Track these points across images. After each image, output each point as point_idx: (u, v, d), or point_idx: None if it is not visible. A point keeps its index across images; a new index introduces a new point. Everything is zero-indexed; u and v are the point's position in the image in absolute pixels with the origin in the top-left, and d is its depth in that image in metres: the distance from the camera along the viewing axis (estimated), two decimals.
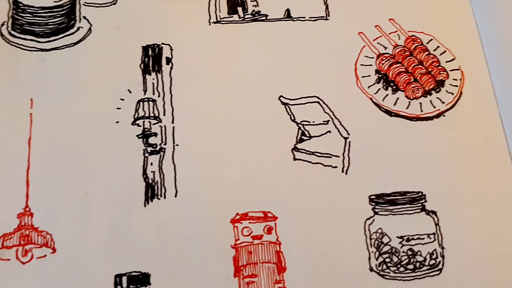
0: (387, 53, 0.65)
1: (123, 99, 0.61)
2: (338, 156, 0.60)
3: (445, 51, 0.65)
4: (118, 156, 0.59)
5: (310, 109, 0.62)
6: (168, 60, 0.64)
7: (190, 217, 0.57)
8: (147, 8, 0.66)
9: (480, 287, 0.56)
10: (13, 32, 0.64)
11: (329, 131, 0.61)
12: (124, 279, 0.55)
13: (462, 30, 0.66)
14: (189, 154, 0.60)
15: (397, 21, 0.66)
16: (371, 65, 0.64)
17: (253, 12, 0.67)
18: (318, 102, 0.62)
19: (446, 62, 0.65)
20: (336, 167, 0.60)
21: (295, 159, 0.60)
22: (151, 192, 0.58)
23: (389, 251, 0.57)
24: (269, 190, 0.59)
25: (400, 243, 0.57)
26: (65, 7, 0.65)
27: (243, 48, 0.65)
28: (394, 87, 0.64)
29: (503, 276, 0.56)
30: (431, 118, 0.62)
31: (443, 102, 0.63)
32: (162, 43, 0.64)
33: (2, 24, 0.64)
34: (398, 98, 0.63)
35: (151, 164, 0.59)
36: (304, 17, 0.66)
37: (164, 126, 0.61)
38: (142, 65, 0.63)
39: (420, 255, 0.57)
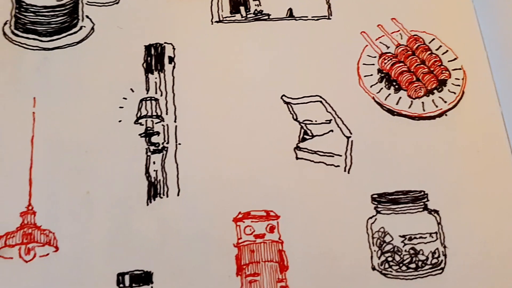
0: (389, 53, 0.65)
1: (125, 98, 0.61)
2: (341, 155, 0.60)
3: (447, 51, 0.65)
4: (121, 155, 0.59)
5: (312, 108, 0.62)
6: (171, 59, 0.64)
7: (193, 216, 0.57)
8: (149, 7, 0.66)
9: (482, 285, 0.56)
10: (16, 31, 0.64)
11: (332, 130, 0.61)
12: (127, 277, 0.55)
13: (464, 30, 0.66)
14: (191, 153, 0.60)
15: (399, 20, 0.66)
16: (373, 64, 0.64)
17: (256, 12, 0.67)
18: (321, 101, 0.62)
19: (448, 61, 0.65)
20: (338, 166, 0.60)
21: (297, 158, 0.60)
22: (154, 191, 0.58)
23: (391, 250, 0.57)
24: (272, 189, 0.59)
25: (402, 242, 0.57)
26: (68, 6, 0.65)
27: (245, 47, 0.65)
28: (396, 86, 0.64)
29: (505, 274, 0.56)
30: (433, 118, 0.62)
31: (445, 102, 0.63)
32: (165, 42, 0.64)
33: (5, 23, 0.65)
34: (400, 98, 0.63)
35: (154, 163, 0.59)
36: (307, 17, 0.66)
37: (167, 125, 0.61)
38: (144, 64, 0.63)
39: (422, 254, 0.57)
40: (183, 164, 0.59)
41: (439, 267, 0.57)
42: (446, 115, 0.62)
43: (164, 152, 0.60)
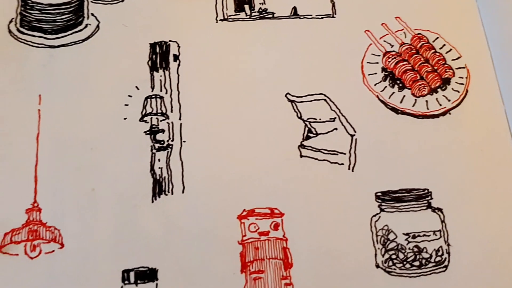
0: (393, 51, 0.65)
1: (130, 96, 0.62)
2: (345, 153, 0.60)
3: (451, 49, 0.65)
4: (126, 152, 0.59)
5: (316, 107, 0.62)
6: (176, 57, 0.64)
7: (197, 213, 0.57)
8: (154, 5, 0.66)
9: (486, 284, 0.56)
10: (21, 29, 0.64)
11: (336, 129, 0.62)
12: (132, 274, 0.55)
13: (468, 29, 0.66)
14: (196, 150, 0.60)
15: (403, 19, 0.67)
16: (377, 63, 0.65)
17: (260, 10, 0.67)
18: (325, 100, 0.63)
19: (452, 60, 0.65)
20: (342, 164, 0.60)
21: (301, 156, 0.60)
22: (159, 188, 0.58)
23: (395, 247, 0.57)
24: (276, 187, 0.59)
25: (406, 240, 0.57)
26: (73, 4, 0.65)
27: (250, 45, 0.65)
28: (400, 84, 0.64)
29: (509, 273, 0.56)
30: (437, 116, 0.62)
31: (449, 100, 0.63)
32: (170, 40, 0.64)
33: (11, 21, 0.65)
34: (404, 96, 0.63)
35: (159, 160, 0.59)
36: (311, 15, 0.67)
37: (172, 122, 0.61)
38: (149, 62, 0.63)
39: (426, 252, 0.57)
40: (188, 162, 0.59)
41: (442, 265, 0.57)
42: (450, 113, 0.63)
43: (169, 149, 0.60)
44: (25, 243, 0.56)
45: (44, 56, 0.63)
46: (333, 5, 0.67)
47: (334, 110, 0.62)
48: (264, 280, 0.56)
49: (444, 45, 0.66)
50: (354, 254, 0.57)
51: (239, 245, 0.56)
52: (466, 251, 0.57)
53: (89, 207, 0.57)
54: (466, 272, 0.56)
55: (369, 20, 0.66)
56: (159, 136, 0.60)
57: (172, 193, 0.58)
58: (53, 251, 0.56)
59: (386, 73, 0.64)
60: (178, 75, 0.63)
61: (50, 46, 0.64)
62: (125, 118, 0.61)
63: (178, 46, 0.64)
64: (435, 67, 0.64)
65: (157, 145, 0.60)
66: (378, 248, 0.57)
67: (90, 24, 0.65)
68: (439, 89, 0.64)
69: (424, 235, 0.57)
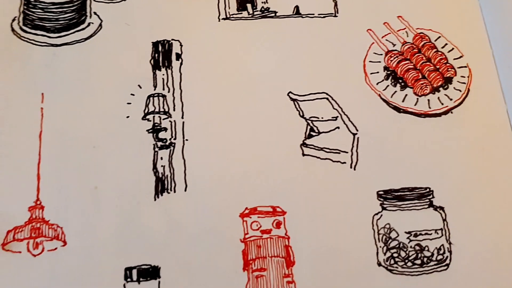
0: (395, 50, 0.65)
1: (133, 94, 0.62)
2: (347, 152, 0.61)
3: (453, 49, 0.66)
4: (129, 151, 0.59)
5: (319, 105, 0.62)
6: (178, 56, 0.64)
7: (200, 211, 0.57)
8: (157, 4, 0.66)
9: (487, 282, 0.56)
10: (24, 28, 0.64)
11: (338, 127, 0.62)
12: (134, 272, 0.55)
13: (470, 28, 0.66)
14: (198, 149, 0.60)
15: (405, 18, 0.67)
16: (379, 62, 0.65)
17: (262, 9, 0.67)
18: (327, 98, 0.63)
19: (454, 59, 0.65)
20: (344, 162, 0.60)
21: (304, 154, 0.60)
22: (161, 186, 0.58)
23: (397, 246, 0.57)
24: (278, 185, 0.59)
25: (408, 238, 0.57)
26: (76, 2, 0.66)
27: (252, 44, 0.65)
28: (402, 83, 0.64)
29: (511, 271, 0.56)
30: (439, 115, 0.62)
31: (451, 99, 0.63)
32: (172, 39, 0.65)
33: (14, 20, 0.65)
34: (406, 95, 0.63)
35: (161, 158, 0.59)
36: (313, 14, 0.67)
37: (174, 121, 0.61)
38: (152, 61, 0.64)
39: (428, 250, 0.57)
40: (190, 160, 0.60)
41: (444, 264, 0.57)
42: (451, 112, 0.63)
43: (172, 148, 0.60)
44: (27, 241, 0.56)
45: (47, 54, 0.63)
46: (335, 4, 0.67)
47: (336, 109, 0.62)
48: (266, 278, 0.56)
49: (446, 44, 0.66)
50: (356, 252, 0.57)
51: (241, 243, 0.57)
52: (467, 250, 0.57)
53: (92, 205, 0.57)
54: (467, 270, 0.57)
55: (371, 19, 0.66)
56: (161, 135, 0.60)
57: (174, 191, 0.58)
58: (55, 248, 0.56)
59: (388, 72, 0.64)
60: (181, 74, 0.63)
61: (53, 45, 0.64)
62: (127, 117, 0.61)
63: (181, 45, 0.64)
64: (437, 66, 0.64)
65: (159, 144, 0.60)
66: (380, 247, 0.57)
67: (92, 23, 0.65)
68: (441, 88, 0.64)
69: (426, 234, 0.57)
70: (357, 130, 0.61)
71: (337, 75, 0.64)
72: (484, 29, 0.66)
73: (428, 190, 0.59)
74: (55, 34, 0.64)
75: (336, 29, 0.66)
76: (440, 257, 0.57)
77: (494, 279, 0.56)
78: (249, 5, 0.67)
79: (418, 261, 0.57)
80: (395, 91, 0.63)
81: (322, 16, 0.67)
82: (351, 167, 0.60)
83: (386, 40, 0.66)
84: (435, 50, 0.65)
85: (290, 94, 0.63)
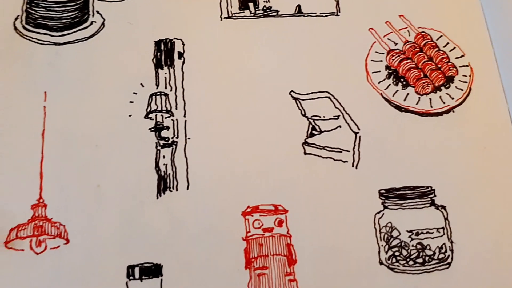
0: (397, 49, 0.65)
1: (135, 93, 0.62)
2: (348, 151, 0.61)
3: (454, 48, 0.66)
4: (131, 149, 0.60)
5: (320, 104, 0.62)
6: (180, 55, 0.64)
7: (202, 209, 0.58)
8: (159, 3, 0.66)
9: (489, 281, 0.56)
10: (27, 26, 0.65)
11: (340, 126, 0.62)
12: (137, 270, 0.55)
13: (471, 27, 0.67)
14: (200, 147, 0.60)
15: (407, 17, 0.67)
16: (381, 61, 0.65)
17: (264, 8, 0.67)
18: (329, 97, 0.63)
19: (456, 58, 0.65)
20: (346, 161, 0.60)
21: (305, 153, 0.61)
22: (163, 184, 0.58)
23: (399, 244, 0.57)
24: (280, 184, 0.59)
25: (409, 237, 0.58)
26: (79, 1, 0.66)
27: (254, 43, 0.65)
28: (404, 82, 0.64)
29: None
30: (440, 114, 0.63)
31: (452, 98, 0.63)
32: (174, 38, 0.65)
33: (16, 18, 0.65)
34: (408, 94, 0.63)
35: (164, 157, 0.60)
36: (315, 13, 0.67)
37: (176, 119, 0.61)
38: (154, 60, 0.64)
39: (429, 249, 0.57)
40: (192, 159, 0.60)
41: (446, 262, 0.57)
42: (453, 111, 0.63)
43: (174, 146, 0.60)
44: (30, 239, 0.56)
45: (49, 53, 0.64)
46: (337, 3, 0.67)
47: (338, 108, 0.62)
48: (268, 276, 0.56)
49: (448, 43, 0.66)
50: (357, 251, 0.57)
51: (243, 241, 0.57)
52: (469, 249, 0.57)
53: (94, 203, 0.57)
54: (469, 269, 0.57)
55: (373, 18, 0.67)
56: (163, 133, 0.61)
57: (176, 190, 0.58)
58: (58, 246, 0.56)
59: (390, 71, 0.65)
60: (183, 73, 0.63)
61: (55, 43, 0.64)
62: (130, 115, 0.61)
63: (183, 44, 0.65)
64: (439, 65, 0.65)
65: (161, 142, 0.60)
66: (382, 245, 0.57)
67: (95, 22, 0.65)
68: (442, 87, 0.64)
69: (427, 233, 0.58)
70: (358, 129, 0.61)
71: (339, 74, 0.64)
72: (486, 28, 0.66)
73: (429, 189, 0.59)
74: (58, 33, 0.64)
75: (338, 28, 0.66)
76: (441, 255, 0.57)
77: (496, 277, 0.56)
78: (251, 4, 0.67)
79: (420, 260, 0.57)
80: (397, 90, 0.64)
81: (324, 15, 0.67)
82: (352, 166, 0.60)
83: (388, 39, 0.66)
84: (436, 49, 0.65)
85: (292, 93, 0.63)
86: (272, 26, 0.66)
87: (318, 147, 0.61)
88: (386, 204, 0.59)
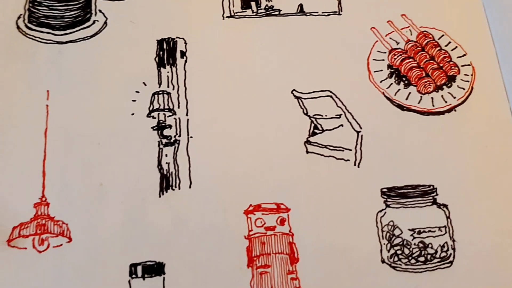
0: (399, 48, 0.65)
1: (138, 92, 0.62)
2: (350, 150, 0.61)
3: (456, 47, 0.66)
4: (134, 148, 0.60)
5: (322, 103, 0.63)
6: (183, 54, 0.64)
7: (204, 208, 0.58)
8: (162, 2, 0.67)
9: (490, 279, 0.56)
10: (29, 25, 0.65)
11: (342, 125, 0.62)
12: (139, 268, 0.55)
13: (473, 26, 0.67)
14: (203, 146, 0.60)
15: (409, 16, 0.67)
16: (383, 60, 0.65)
17: (266, 7, 0.67)
18: (331, 96, 0.63)
19: (458, 57, 0.65)
20: (348, 160, 0.60)
21: (307, 152, 0.61)
22: (166, 183, 0.59)
23: (401, 243, 0.57)
24: (282, 182, 0.59)
25: (411, 235, 0.58)
26: (81, 0, 0.66)
27: (256, 42, 0.65)
28: (406, 81, 0.64)
29: None
30: (442, 113, 0.63)
31: (454, 97, 0.63)
32: (177, 37, 0.65)
33: (19, 17, 0.65)
34: (410, 93, 0.64)
35: (166, 155, 0.60)
36: (317, 12, 0.67)
37: (179, 118, 0.61)
38: (157, 59, 0.64)
39: (431, 248, 0.57)
40: (194, 157, 0.60)
41: (447, 261, 0.57)
42: (455, 110, 0.63)
43: (176, 145, 0.60)
44: (33, 237, 0.56)
45: (52, 52, 0.64)
46: (339, 3, 0.67)
47: (340, 107, 0.62)
48: (270, 275, 0.56)
49: (450, 42, 0.66)
50: (359, 249, 0.57)
51: (245, 239, 0.57)
52: (471, 247, 0.57)
53: (97, 202, 0.58)
54: (471, 267, 0.57)
55: (375, 18, 0.67)
56: (166, 132, 0.61)
57: (179, 188, 0.58)
58: (61, 245, 0.56)
59: (392, 70, 0.65)
60: (185, 71, 0.64)
61: (58, 42, 0.64)
62: (132, 114, 0.61)
63: (185, 43, 0.65)
64: (441, 65, 0.65)
65: (164, 141, 0.60)
66: (384, 244, 0.57)
67: (97, 21, 0.65)
68: (444, 86, 0.64)
69: (429, 231, 0.58)
70: (360, 128, 0.62)
71: (340, 73, 0.64)
72: (487, 27, 0.67)
73: (431, 187, 0.59)
74: (60, 32, 0.65)
75: (339, 27, 0.66)
76: (443, 254, 0.57)
77: (497, 276, 0.56)
78: (253, 3, 0.67)
79: (422, 258, 0.57)
80: (399, 89, 0.64)
81: (326, 14, 0.67)
82: (354, 165, 0.60)
83: (390, 38, 0.66)
84: (438, 48, 0.65)
85: (294, 92, 0.63)
86: (274, 25, 0.66)
87: (320, 145, 0.61)
88: (388, 203, 0.59)
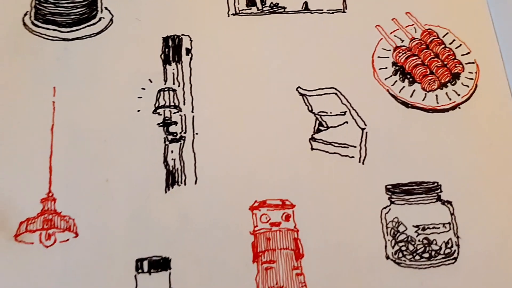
0: (403, 46, 0.66)
1: (144, 89, 0.62)
2: (355, 146, 0.61)
3: (460, 45, 0.66)
4: (139, 144, 0.60)
5: (327, 100, 0.63)
6: (188, 51, 0.65)
7: (210, 204, 0.58)
8: (167, 0, 0.67)
9: (494, 276, 0.57)
10: (36, 22, 0.65)
11: (346, 122, 0.62)
12: (145, 263, 0.56)
13: (477, 24, 0.67)
14: (208, 142, 0.61)
15: (413, 14, 0.67)
16: (388, 57, 0.65)
17: (271, 5, 0.67)
18: (336, 94, 0.63)
19: (462, 55, 0.65)
20: (353, 157, 0.61)
21: (312, 149, 0.61)
22: (172, 179, 0.59)
23: (405, 239, 0.58)
24: (287, 179, 0.59)
25: (416, 232, 0.58)
26: None
27: (261, 39, 0.66)
28: (410, 79, 0.64)
29: None
30: (446, 110, 0.63)
31: (458, 95, 0.64)
32: (182, 34, 0.65)
33: (25, 14, 0.66)
34: (414, 90, 0.64)
35: (172, 152, 0.60)
36: (322, 10, 0.67)
37: (184, 115, 0.62)
38: (162, 56, 0.64)
39: (436, 244, 0.57)
40: (200, 153, 0.60)
41: (452, 257, 0.57)
42: (459, 108, 0.63)
43: (182, 141, 0.60)
44: (40, 232, 0.56)
45: (58, 49, 0.64)
46: (344, 0, 0.68)
47: (345, 104, 0.63)
48: (276, 270, 0.56)
49: (454, 40, 0.66)
50: (364, 246, 0.57)
51: (251, 235, 0.57)
52: (475, 244, 0.58)
53: (103, 198, 0.58)
54: (475, 264, 0.57)
55: (379, 15, 0.67)
56: (172, 128, 0.61)
57: (185, 184, 0.59)
58: (67, 240, 0.56)
59: (397, 68, 0.65)
60: (191, 69, 0.64)
61: (64, 39, 0.65)
62: (138, 111, 0.61)
63: (191, 40, 0.65)
64: (445, 62, 0.65)
65: (170, 137, 0.61)
66: (388, 240, 0.58)
67: (103, 18, 0.66)
68: (448, 84, 0.64)
69: (433, 228, 0.58)
70: (365, 125, 0.62)
71: (345, 71, 0.64)
72: (492, 25, 0.67)
73: (436, 184, 0.59)
74: (67, 29, 0.65)
75: (344, 25, 0.66)
76: (447, 250, 0.57)
77: (502, 272, 0.56)
78: (258, 1, 0.68)
79: (426, 255, 0.57)
80: (403, 87, 0.64)
81: (330, 12, 0.67)
82: (359, 162, 0.61)
83: (395, 36, 0.66)
84: (443, 46, 0.66)
85: (299, 89, 0.63)
86: (279, 22, 0.67)
87: (325, 142, 0.61)
88: (393, 200, 0.59)
